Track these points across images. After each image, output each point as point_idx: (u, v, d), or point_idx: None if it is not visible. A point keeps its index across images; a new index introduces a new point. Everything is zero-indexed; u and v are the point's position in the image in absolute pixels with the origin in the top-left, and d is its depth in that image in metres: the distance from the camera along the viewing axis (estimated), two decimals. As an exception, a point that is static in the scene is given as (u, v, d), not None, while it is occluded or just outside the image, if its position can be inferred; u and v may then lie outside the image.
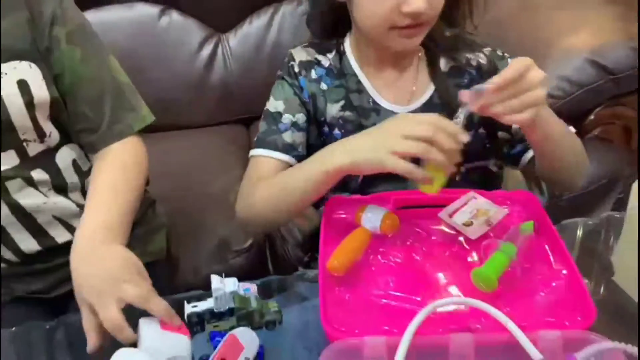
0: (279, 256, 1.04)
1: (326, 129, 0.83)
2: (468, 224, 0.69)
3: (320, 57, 0.86)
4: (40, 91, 0.74)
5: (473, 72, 0.82)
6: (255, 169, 0.83)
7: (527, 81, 0.63)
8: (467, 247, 0.67)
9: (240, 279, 0.61)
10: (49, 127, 0.77)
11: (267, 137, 0.82)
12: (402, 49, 0.78)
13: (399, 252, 0.67)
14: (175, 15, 1.35)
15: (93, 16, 1.31)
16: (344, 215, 0.74)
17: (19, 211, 0.77)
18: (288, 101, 0.83)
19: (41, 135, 0.76)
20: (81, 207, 0.79)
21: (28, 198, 0.77)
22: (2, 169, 0.75)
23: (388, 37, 0.75)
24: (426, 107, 0.82)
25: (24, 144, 0.76)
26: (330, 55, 0.85)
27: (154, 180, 0.94)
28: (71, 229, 0.81)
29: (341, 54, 0.85)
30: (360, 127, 0.82)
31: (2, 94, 0.71)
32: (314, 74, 0.84)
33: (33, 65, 0.73)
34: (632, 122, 1.07)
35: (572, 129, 0.80)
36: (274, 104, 0.84)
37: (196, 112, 1.40)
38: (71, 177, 0.80)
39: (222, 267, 0.99)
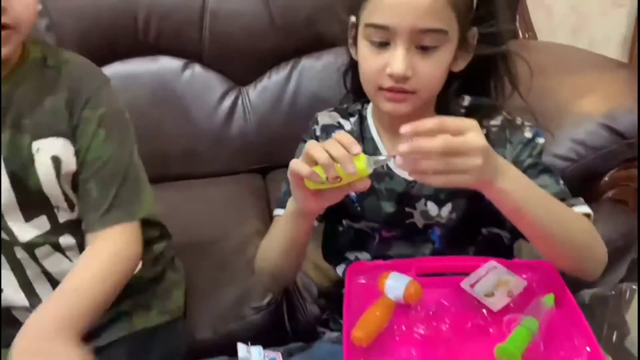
0: (297, 313, 1.05)
1: None
2: (490, 295, 0.71)
3: (342, 121, 0.89)
4: (71, 166, 0.78)
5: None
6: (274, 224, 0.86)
7: (460, 142, 0.61)
8: (489, 318, 0.69)
9: (258, 337, 0.63)
10: (75, 198, 0.80)
11: (286, 197, 0.84)
12: (391, 113, 0.79)
13: (422, 323, 0.68)
14: (197, 69, 1.39)
15: (117, 69, 1.36)
16: (366, 282, 0.75)
17: (46, 275, 0.80)
18: None
19: (71, 205, 0.80)
20: None
21: (55, 263, 0.80)
22: (33, 235, 0.78)
23: (376, 99, 0.79)
24: None
25: (55, 210, 0.79)
26: (352, 120, 0.89)
27: (171, 232, 0.97)
28: None
29: (362, 118, 0.88)
30: (373, 190, 0.84)
31: (36, 167, 0.75)
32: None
33: (67, 142, 0.77)
34: (644, 185, 1.09)
35: (584, 209, 0.77)
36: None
37: (215, 162, 1.43)
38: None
39: (240, 324, 1.00)
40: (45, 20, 1.29)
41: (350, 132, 0.86)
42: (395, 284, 0.71)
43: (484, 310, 0.69)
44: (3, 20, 0.67)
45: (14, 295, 0.81)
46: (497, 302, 0.70)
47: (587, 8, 1.91)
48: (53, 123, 0.77)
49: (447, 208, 0.84)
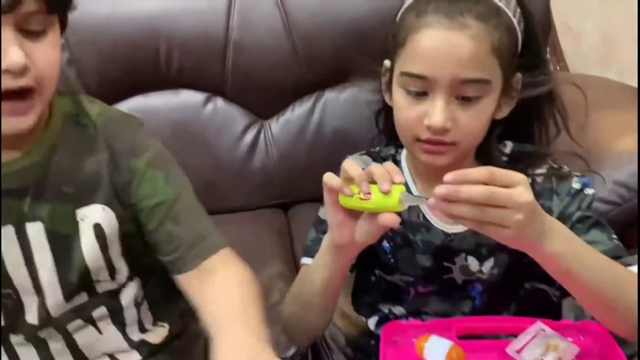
0: (324, 366, 1.00)
1: None
2: (538, 361, 0.66)
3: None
4: (113, 231, 0.73)
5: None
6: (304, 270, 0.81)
7: (505, 193, 0.57)
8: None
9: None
10: (120, 264, 0.75)
11: (314, 245, 0.80)
12: (428, 164, 0.76)
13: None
14: (220, 103, 1.36)
15: (137, 102, 1.34)
16: (403, 342, 0.70)
17: (71, 350, 0.76)
18: None
19: (112, 273, 0.75)
20: (131, 342, 0.79)
21: (84, 335, 0.76)
22: (67, 310, 0.73)
23: (413, 149, 0.76)
24: None
25: (95, 284, 0.75)
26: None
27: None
28: None
29: (396, 163, 0.83)
30: (408, 241, 0.80)
31: (80, 237, 0.71)
32: None
33: (107, 207, 0.72)
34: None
35: (634, 269, 0.70)
36: (323, 211, 0.82)
37: (236, 197, 1.39)
38: (131, 313, 0.79)
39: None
40: (66, 54, 1.27)
41: None
42: (436, 349, 0.66)
43: (533, 380, 0.65)
44: (25, 82, 0.61)
45: None
46: (548, 371, 0.65)
47: (616, 35, 1.86)
48: (94, 188, 0.72)
49: (490, 263, 0.79)
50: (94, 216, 0.72)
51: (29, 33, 0.62)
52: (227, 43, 1.32)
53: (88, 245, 0.72)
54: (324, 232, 0.79)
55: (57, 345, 0.75)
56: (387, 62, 0.79)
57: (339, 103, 1.37)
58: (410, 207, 0.79)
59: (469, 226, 0.62)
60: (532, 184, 0.79)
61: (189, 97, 1.35)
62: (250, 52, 1.33)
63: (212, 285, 0.71)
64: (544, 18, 1.39)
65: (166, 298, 0.83)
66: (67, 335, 0.75)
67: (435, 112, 0.70)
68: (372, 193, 0.62)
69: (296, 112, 1.39)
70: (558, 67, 1.38)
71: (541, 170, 0.79)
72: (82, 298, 0.74)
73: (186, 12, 1.31)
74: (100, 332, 0.77)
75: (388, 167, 0.64)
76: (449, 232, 0.79)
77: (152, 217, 0.73)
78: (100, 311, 0.76)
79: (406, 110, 0.73)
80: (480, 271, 0.79)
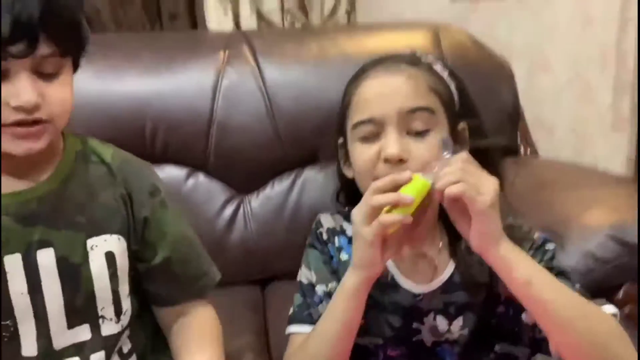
0: None
1: None
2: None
3: (345, 225, 0.86)
4: (124, 262, 0.78)
5: None
6: (293, 346, 0.81)
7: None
8: None
9: None
10: (126, 304, 0.79)
11: (303, 311, 0.81)
12: None
13: None
14: (201, 178, 1.40)
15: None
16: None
17: None
18: (319, 271, 0.83)
19: (118, 312, 0.78)
20: None
21: None
22: (69, 343, 0.75)
23: None
24: (446, 286, 0.80)
25: (100, 320, 0.77)
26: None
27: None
28: None
29: None
30: (376, 302, 0.80)
31: (90, 265, 0.75)
32: (337, 243, 0.84)
33: (121, 238, 0.77)
34: (662, 301, 1.03)
35: (609, 308, 0.73)
36: (306, 274, 0.84)
37: (213, 272, 1.39)
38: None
39: None
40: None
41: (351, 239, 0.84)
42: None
43: None
44: (38, 115, 0.68)
45: None
46: None
47: (587, 131, 1.95)
48: (107, 219, 0.77)
49: (458, 322, 0.79)
50: (106, 245, 0.76)
51: (43, 75, 0.68)
52: (212, 123, 1.38)
53: (97, 271, 0.75)
54: (312, 297, 0.81)
55: None
56: (340, 140, 0.85)
57: (318, 180, 1.41)
58: None
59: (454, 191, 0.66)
60: None
61: (172, 172, 1.38)
62: (234, 132, 1.39)
63: (190, 320, 0.82)
64: (513, 109, 1.48)
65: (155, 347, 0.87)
66: None
67: (389, 143, 0.74)
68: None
69: (276, 188, 1.42)
70: (528, 153, 1.43)
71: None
72: (85, 334, 0.76)
73: (174, 93, 1.38)
74: None
75: (385, 180, 0.70)
76: (417, 293, 0.79)
77: (160, 253, 0.80)
78: (99, 356, 0.76)
79: (363, 154, 0.77)
80: (449, 331, 0.78)
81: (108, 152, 0.81)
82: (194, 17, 1.60)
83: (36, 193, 0.73)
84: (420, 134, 0.75)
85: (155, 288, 0.81)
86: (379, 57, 0.82)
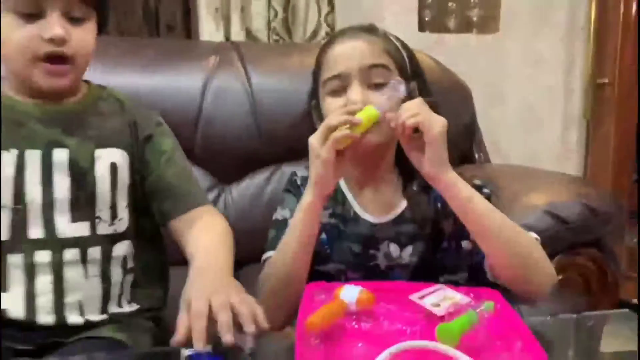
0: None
1: None
2: (436, 305, 0.76)
3: None
4: (125, 174, 0.90)
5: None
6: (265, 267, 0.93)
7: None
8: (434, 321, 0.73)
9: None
10: (122, 211, 0.90)
11: (275, 241, 0.93)
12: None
13: (372, 320, 0.73)
14: (186, 165, 1.53)
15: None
16: (322, 297, 0.80)
17: (56, 284, 0.85)
18: (293, 210, 0.93)
19: (113, 216, 0.89)
20: (104, 310, 0.89)
21: (72, 273, 0.86)
22: (75, 234, 0.86)
23: None
24: (399, 219, 0.94)
25: (96, 220, 0.88)
26: None
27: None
28: (85, 321, 0.87)
29: None
30: (340, 232, 0.93)
31: (95, 171, 0.87)
32: None
33: (125, 153, 0.91)
34: (588, 271, 1.18)
35: (531, 233, 0.88)
36: (281, 213, 0.98)
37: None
38: (117, 273, 0.91)
39: None
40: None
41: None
42: (349, 293, 0.76)
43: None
44: (63, 50, 0.82)
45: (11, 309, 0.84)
46: (442, 310, 0.75)
47: (540, 158, 2.14)
48: (114, 137, 0.90)
49: (408, 250, 0.92)
50: (110, 157, 0.89)
51: (71, 19, 0.83)
52: (199, 117, 1.53)
53: (100, 177, 0.88)
54: (284, 229, 0.91)
55: (45, 279, 0.84)
56: (314, 102, 0.99)
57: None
58: (344, 205, 0.95)
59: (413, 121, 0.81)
60: None
61: (160, 158, 1.52)
62: (219, 125, 1.54)
63: (200, 225, 0.90)
64: (470, 122, 1.66)
65: (148, 281, 0.97)
66: (59, 267, 0.85)
67: (353, 94, 0.89)
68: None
69: (255, 180, 1.55)
70: (482, 159, 1.60)
71: None
72: (84, 230, 0.87)
73: (167, 89, 1.52)
74: (86, 276, 0.87)
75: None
76: (375, 222, 0.92)
77: (158, 169, 0.93)
78: (95, 251, 0.87)
79: (331, 105, 0.91)
80: (400, 257, 0.91)
81: (126, 97, 0.97)
82: (189, 30, 1.77)
83: (58, 107, 0.88)
84: (379, 86, 0.90)
85: (159, 203, 0.93)
86: (343, 28, 0.98)
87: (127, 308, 0.92)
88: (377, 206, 0.95)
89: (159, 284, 1.01)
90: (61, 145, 0.87)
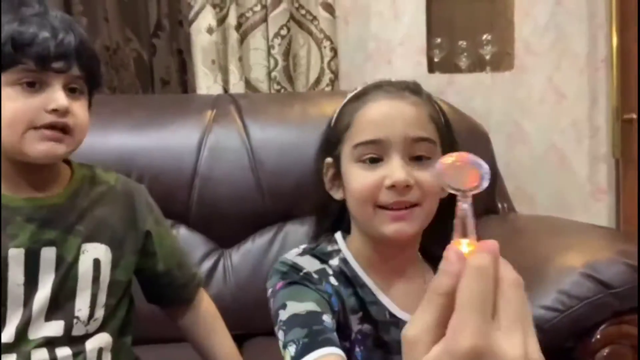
0: None
1: (347, 344, 0.75)
2: None
3: (324, 266, 0.79)
4: (107, 272, 0.88)
5: None
6: None
7: None
8: None
9: None
10: (99, 312, 0.88)
11: (317, 337, 0.70)
12: (396, 234, 0.74)
13: None
14: (183, 230, 1.41)
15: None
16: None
17: None
18: (320, 303, 0.74)
19: (90, 317, 0.87)
20: None
21: None
22: (43, 334, 0.83)
23: (377, 221, 0.74)
24: None
25: (74, 320, 0.85)
26: (332, 262, 0.80)
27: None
28: None
29: (344, 261, 0.80)
30: (381, 342, 0.77)
31: (79, 266, 0.86)
32: (332, 280, 0.78)
33: (108, 249, 0.89)
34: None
35: None
36: (301, 306, 0.73)
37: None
38: None
39: None
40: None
41: (337, 276, 0.78)
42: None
43: None
44: (65, 121, 0.82)
45: None
46: None
47: (568, 200, 1.99)
48: (100, 230, 0.89)
49: None
50: (95, 252, 0.88)
51: (71, 91, 0.84)
52: (195, 174, 1.42)
53: (83, 272, 0.86)
54: (320, 323, 0.71)
55: None
56: (328, 159, 0.81)
57: (300, 234, 1.42)
58: (377, 305, 0.77)
59: None
60: None
61: (153, 223, 1.40)
62: (217, 184, 1.43)
63: (200, 311, 1.02)
64: (490, 167, 1.52)
65: None
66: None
67: (395, 169, 0.72)
68: None
69: (257, 242, 1.43)
70: (506, 207, 1.46)
71: None
72: (58, 329, 0.84)
73: (160, 147, 1.43)
74: None
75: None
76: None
77: (161, 261, 0.96)
78: (64, 351, 0.84)
79: (364, 179, 0.74)
80: None
81: (112, 177, 0.95)
82: (185, 84, 1.68)
83: (48, 202, 0.86)
84: (421, 160, 0.75)
85: (162, 292, 0.99)
86: (379, 82, 0.81)
87: None
88: (412, 303, 0.75)
89: None
90: (50, 243, 0.85)
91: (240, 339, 1.39)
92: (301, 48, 1.75)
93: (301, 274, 0.77)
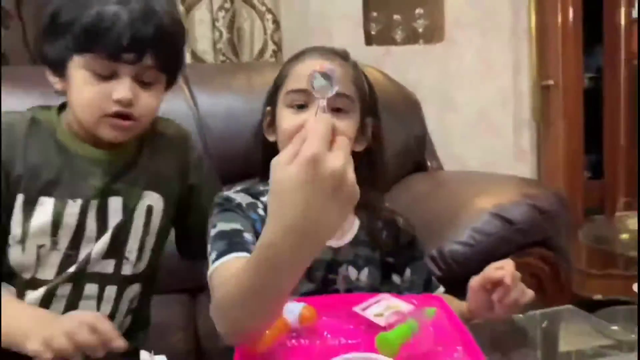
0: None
1: None
2: (379, 315, 0.75)
3: (255, 201, 0.93)
4: (157, 219, 0.95)
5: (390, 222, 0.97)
6: (226, 271, 0.77)
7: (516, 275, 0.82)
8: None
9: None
10: (146, 255, 0.95)
11: (235, 246, 0.81)
12: None
13: (314, 335, 0.72)
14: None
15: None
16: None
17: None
18: (245, 225, 0.86)
19: (138, 258, 0.94)
20: None
21: (85, 306, 0.90)
22: (97, 270, 0.89)
23: None
24: (355, 240, 0.93)
25: (124, 260, 0.92)
26: (263, 199, 0.93)
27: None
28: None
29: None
30: None
31: (135, 211, 0.92)
32: (262, 212, 0.91)
33: (162, 199, 0.95)
34: (540, 271, 1.19)
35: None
36: (227, 225, 0.86)
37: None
38: (121, 313, 0.94)
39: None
40: None
41: (265, 209, 0.91)
42: (291, 308, 0.75)
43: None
44: (131, 111, 0.86)
45: None
46: (386, 320, 0.74)
47: (495, 162, 2.17)
48: (158, 180, 0.95)
49: (364, 273, 0.91)
50: (149, 200, 0.94)
51: (142, 83, 0.87)
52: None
53: (138, 218, 0.93)
54: (241, 237, 0.83)
55: (59, 306, 0.89)
56: (268, 108, 0.96)
57: (246, 195, 1.53)
58: None
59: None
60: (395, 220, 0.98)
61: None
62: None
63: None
64: (420, 132, 1.67)
65: (140, 323, 1.00)
66: (77, 296, 0.89)
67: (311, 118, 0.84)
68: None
69: (206, 203, 1.53)
70: (435, 166, 1.62)
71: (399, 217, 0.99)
72: (110, 267, 0.91)
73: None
74: (98, 309, 0.91)
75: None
76: (336, 247, 0.91)
77: (197, 216, 0.98)
78: (111, 290, 0.91)
79: (291, 120, 0.88)
80: (358, 279, 0.90)
81: (172, 127, 1.02)
82: (133, 56, 1.74)
83: (121, 156, 0.93)
84: (340, 112, 0.88)
85: (194, 239, 1.00)
86: (316, 46, 0.95)
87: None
88: None
89: (146, 327, 1.03)
90: (116, 193, 0.91)
91: (192, 292, 1.50)
92: (245, 21, 1.84)
93: (233, 204, 0.91)
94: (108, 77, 0.85)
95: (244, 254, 0.78)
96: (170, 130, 1.01)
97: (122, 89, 0.84)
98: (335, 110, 0.88)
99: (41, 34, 0.88)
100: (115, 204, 0.91)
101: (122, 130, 0.88)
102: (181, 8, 1.75)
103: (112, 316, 0.92)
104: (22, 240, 0.87)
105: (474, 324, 0.82)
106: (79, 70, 0.85)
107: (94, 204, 0.90)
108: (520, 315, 0.88)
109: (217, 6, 1.78)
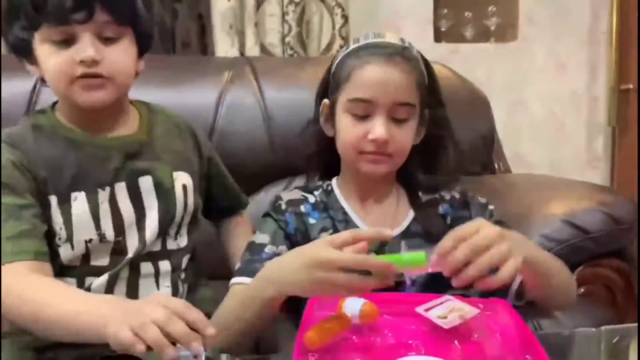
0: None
1: None
2: (442, 317, 0.73)
3: (307, 195, 0.97)
4: (191, 197, 0.98)
5: (446, 205, 0.95)
6: (232, 296, 0.88)
7: (482, 237, 0.69)
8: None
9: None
10: (184, 230, 0.98)
11: (248, 266, 0.89)
12: (370, 173, 0.91)
13: (375, 333, 0.71)
14: (201, 180, 1.52)
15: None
16: (325, 310, 0.78)
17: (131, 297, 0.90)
18: (272, 235, 0.92)
19: (176, 234, 0.97)
20: None
21: (146, 285, 0.92)
22: (147, 250, 0.92)
23: (357, 162, 0.90)
24: (407, 232, 0.91)
25: (166, 236, 0.95)
26: (316, 193, 0.97)
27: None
28: None
29: (328, 192, 0.97)
30: None
31: (175, 192, 0.95)
32: (302, 209, 0.95)
33: (190, 177, 0.99)
34: (612, 283, 1.13)
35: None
36: (259, 237, 0.93)
37: (207, 266, 1.49)
38: (180, 284, 0.97)
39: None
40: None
41: (315, 204, 0.95)
42: (352, 305, 0.74)
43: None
44: (95, 71, 0.85)
45: None
46: (449, 323, 0.72)
47: (565, 167, 2.09)
48: (182, 160, 0.99)
49: None
50: (183, 179, 0.97)
51: (104, 39, 0.86)
52: (213, 131, 1.53)
53: (179, 197, 0.95)
54: (259, 254, 0.89)
55: (121, 289, 0.91)
56: (326, 101, 0.96)
57: (307, 188, 1.53)
58: (347, 223, 0.93)
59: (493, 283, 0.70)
60: (452, 199, 0.96)
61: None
62: (233, 140, 1.53)
63: (239, 220, 1.14)
64: (488, 132, 1.62)
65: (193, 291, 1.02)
66: (136, 276, 0.92)
67: (379, 127, 0.86)
68: None
69: (269, 194, 1.54)
70: (502, 168, 1.56)
71: (455, 193, 0.96)
72: (157, 246, 0.94)
73: (180, 104, 1.49)
74: (158, 288, 0.94)
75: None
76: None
77: (220, 177, 1.10)
78: (165, 265, 0.94)
79: (352, 128, 0.89)
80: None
81: (170, 111, 1.05)
82: (205, 47, 1.78)
83: (134, 138, 0.95)
84: (400, 121, 0.88)
85: (220, 202, 1.10)
86: (377, 43, 0.91)
87: None
88: (383, 221, 0.92)
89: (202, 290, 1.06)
90: (145, 172, 0.93)
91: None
92: (314, 15, 1.85)
93: (275, 204, 0.96)
94: (68, 42, 0.84)
95: (245, 283, 0.86)
96: (173, 116, 1.04)
97: (82, 48, 0.84)
98: (394, 119, 0.88)
99: (3, 23, 0.89)
100: (145, 184, 0.93)
101: (96, 89, 0.86)
102: (252, 2, 1.77)
103: (175, 289, 0.94)
104: (69, 239, 0.88)
105: (542, 335, 0.78)
106: (41, 46, 0.85)
107: (121, 187, 0.91)
108: (593, 329, 0.84)
109: (287, 0, 1.79)
